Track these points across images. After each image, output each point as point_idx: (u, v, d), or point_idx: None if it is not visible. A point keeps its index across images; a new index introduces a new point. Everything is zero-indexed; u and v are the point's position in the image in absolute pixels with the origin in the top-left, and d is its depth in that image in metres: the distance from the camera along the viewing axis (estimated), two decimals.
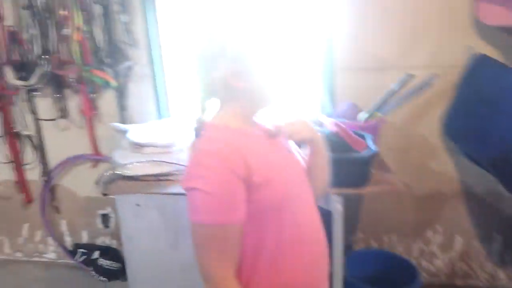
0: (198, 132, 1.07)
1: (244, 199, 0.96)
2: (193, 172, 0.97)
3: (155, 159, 1.78)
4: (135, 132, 1.96)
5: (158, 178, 1.76)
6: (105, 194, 1.75)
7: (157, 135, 1.95)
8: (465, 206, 2.24)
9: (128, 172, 1.76)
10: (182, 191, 0.97)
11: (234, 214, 0.95)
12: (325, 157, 1.18)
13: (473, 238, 2.29)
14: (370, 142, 1.68)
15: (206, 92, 1.06)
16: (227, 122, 1.04)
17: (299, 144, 1.16)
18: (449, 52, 2.03)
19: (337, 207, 1.61)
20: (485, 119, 1.84)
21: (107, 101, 2.40)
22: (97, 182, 1.80)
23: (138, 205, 1.68)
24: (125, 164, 1.78)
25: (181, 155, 1.84)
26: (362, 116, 1.96)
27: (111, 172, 1.79)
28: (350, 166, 1.59)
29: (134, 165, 1.77)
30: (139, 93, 2.37)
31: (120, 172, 1.77)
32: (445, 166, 2.19)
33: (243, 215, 0.96)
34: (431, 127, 2.13)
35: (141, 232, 1.73)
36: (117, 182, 1.78)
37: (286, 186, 1.04)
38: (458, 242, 2.32)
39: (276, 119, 1.11)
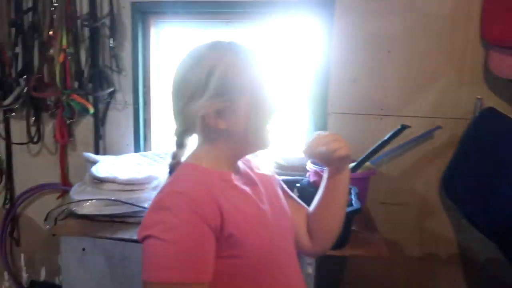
0: (171, 171, 0.90)
1: (213, 253, 0.76)
2: (150, 218, 0.77)
3: (112, 197, 1.58)
4: (101, 165, 1.79)
5: (113, 220, 1.57)
6: (53, 234, 1.55)
7: (122, 170, 1.77)
8: (462, 272, 2.06)
9: (80, 210, 1.56)
10: (132, 237, 0.76)
11: (202, 271, 0.74)
12: (348, 183, 0.99)
13: None
14: (353, 197, 1.48)
15: (183, 127, 0.88)
16: (204, 163, 0.86)
17: (341, 162, 0.93)
18: (455, 102, 1.93)
19: (308, 271, 1.39)
20: (488, 181, 1.69)
21: (84, 128, 2.28)
22: (46, 218, 1.61)
23: (83, 249, 1.48)
24: (79, 201, 1.59)
25: (145, 194, 1.65)
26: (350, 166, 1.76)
27: (63, 208, 1.60)
28: None
29: (88, 202, 1.58)
30: (119, 123, 2.24)
31: (71, 209, 1.58)
32: (442, 227, 2.02)
33: (211, 273, 0.75)
34: (429, 182, 2.00)
35: (84, 281, 1.50)
36: (67, 221, 1.58)
37: (266, 245, 0.84)
38: None
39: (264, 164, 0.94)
